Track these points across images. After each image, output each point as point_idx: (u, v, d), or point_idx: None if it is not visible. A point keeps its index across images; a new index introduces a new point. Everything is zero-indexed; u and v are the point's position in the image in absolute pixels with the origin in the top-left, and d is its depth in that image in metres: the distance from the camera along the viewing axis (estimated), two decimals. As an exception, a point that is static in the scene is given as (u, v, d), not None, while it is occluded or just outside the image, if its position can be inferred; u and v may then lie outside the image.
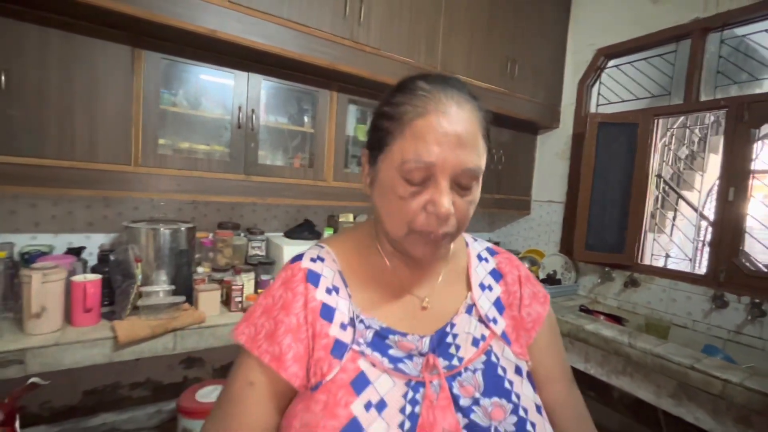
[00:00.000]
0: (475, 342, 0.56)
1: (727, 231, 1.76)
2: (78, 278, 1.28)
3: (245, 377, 0.51)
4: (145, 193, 1.43)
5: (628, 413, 1.91)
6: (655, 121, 2.04)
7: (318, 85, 1.76)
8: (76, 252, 1.52)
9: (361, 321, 0.54)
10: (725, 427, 1.33)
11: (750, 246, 1.82)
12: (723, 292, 1.74)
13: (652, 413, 1.70)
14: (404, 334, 0.54)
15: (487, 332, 0.57)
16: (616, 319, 1.98)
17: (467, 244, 0.68)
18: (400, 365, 0.51)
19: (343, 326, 0.52)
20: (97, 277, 1.33)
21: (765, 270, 1.68)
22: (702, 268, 2.88)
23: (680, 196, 2.96)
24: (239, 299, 1.54)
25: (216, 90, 1.61)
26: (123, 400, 1.77)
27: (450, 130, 0.48)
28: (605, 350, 1.63)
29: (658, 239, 2.48)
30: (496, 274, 0.64)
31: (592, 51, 2.29)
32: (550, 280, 2.25)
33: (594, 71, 2.30)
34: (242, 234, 1.84)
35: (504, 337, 0.58)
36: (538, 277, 2.32)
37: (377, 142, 0.54)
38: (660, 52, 2.08)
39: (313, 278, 0.55)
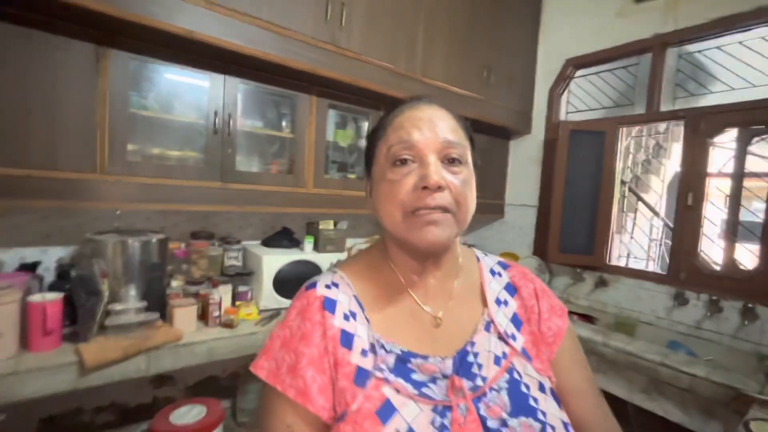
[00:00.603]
0: (497, 360, 0.55)
1: (687, 233, 1.89)
2: (35, 298, 1.17)
3: (282, 421, 0.50)
4: (112, 203, 1.33)
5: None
6: (621, 129, 2.16)
7: (297, 89, 1.70)
8: (30, 268, 1.38)
9: (382, 346, 0.53)
10: (692, 418, 1.42)
11: (708, 247, 1.97)
12: (684, 290, 1.87)
13: (622, 408, 1.79)
14: (425, 357, 0.53)
15: (507, 349, 0.57)
16: (588, 318, 2.07)
17: (478, 259, 0.67)
18: (425, 390, 0.50)
19: (364, 353, 0.51)
20: (58, 295, 1.21)
21: (720, 269, 1.82)
22: (655, 264, 3.09)
23: (641, 200, 3.15)
24: (217, 314, 1.46)
25: (190, 93, 1.52)
26: (86, 427, 1.63)
27: (424, 115, 0.55)
28: (581, 350, 1.70)
29: (621, 239, 2.63)
30: (511, 289, 0.64)
31: (561, 61, 2.39)
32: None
33: (563, 80, 2.40)
34: (217, 244, 1.75)
35: (524, 353, 0.57)
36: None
37: (369, 154, 0.60)
38: (624, 64, 2.21)
39: (329, 305, 0.54)
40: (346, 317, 0.53)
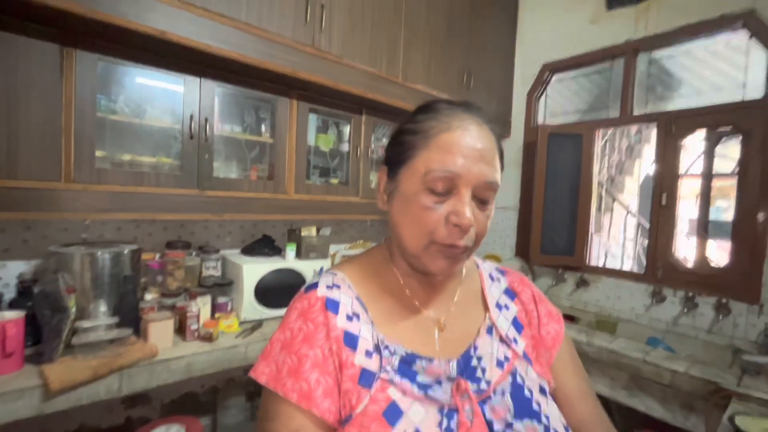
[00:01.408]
0: (500, 364, 0.55)
1: (662, 232, 1.95)
2: (-6, 317, 1.08)
3: (286, 427, 0.47)
4: (80, 213, 1.25)
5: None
6: (597, 132, 2.22)
7: (276, 92, 1.66)
8: (-12, 284, 1.28)
9: (387, 347, 0.52)
10: (673, 413, 1.45)
11: (682, 245, 2.03)
12: (661, 287, 1.92)
13: (605, 405, 1.81)
14: (430, 359, 0.52)
15: (509, 353, 0.57)
16: (570, 319, 2.10)
17: (477, 265, 0.67)
18: (430, 392, 0.50)
19: (368, 354, 0.51)
20: (19, 314, 1.12)
21: (694, 266, 1.89)
22: (632, 262, 3.19)
23: (615, 199, 3.24)
24: (195, 327, 1.40)
25: (163, 96, 1.45)
26: (52, 454, 1.51)
27: (473, 144, 0.50)
28: (566, 350, 1.72)
29: (599, 239, 2.70)
30: (510, 294, 0.64)
31: (538, 66, 2.44)
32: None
33: (540, 85, 2.45)
34: (194, 253, 1.68)
35: (525, 356, 0.58)
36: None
37: (398, 156, 0.55)
38: (598, 69, 2.27)
39: (332, 306, 0.53)
40: (349, 318, 0.52)
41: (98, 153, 1.30)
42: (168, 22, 1.21)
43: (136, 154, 1.43)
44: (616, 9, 2.09)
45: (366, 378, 0.49)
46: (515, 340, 0.58)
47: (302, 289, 0.57)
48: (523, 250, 2.47)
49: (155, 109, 1.45)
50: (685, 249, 2.31)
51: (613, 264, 2.88)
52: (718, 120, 1.79)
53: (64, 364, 1.11)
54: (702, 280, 1.81)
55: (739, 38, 1.79)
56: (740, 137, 1.73)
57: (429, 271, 0.54)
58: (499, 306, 0.61)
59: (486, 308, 0.61)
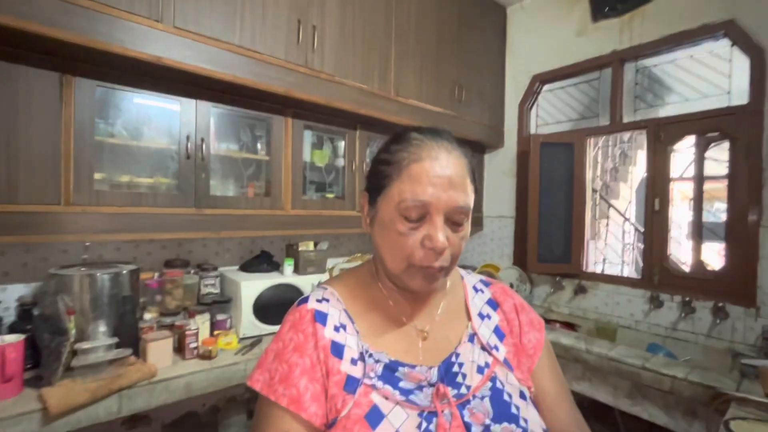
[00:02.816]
0: (480, 369, 0.58)
1: (657, 237, 1.96)
2: (-6, 341, 1.09)
3: (277, 428, 0.51)
4: (79, 235, 1.26)
5: (589, 416, 2.01)
6: (588, 140, 2.25)
7: (271, 111, 1.70)
8: (-13, 308, 1.29)
9: (371, 355, 0.56)
10: (676, 420, 1.44)
11: (677, 249, 2.05)
12: (658, 293, 1.93)
13: (610, 414, 1.80)
14: (413, 366, 0.56)
15: (490, 359, 0.60)
16: (570, 326, 2.10)
17: (462, 277, 0.70)
18: (411, 396, 0.53)
19: (353, 361, 0.54)
20: (19, 337, 1.13)
21: (690, 270, 1.90)
22: (630, 268, 3.19)
23: (611, 206, 3.26)
24: (194, 345, 1.40)
25: (160, 118, 1.48)
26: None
27: (441, 173, 0.54)
28: (565, 358, 1.72)
29: (596, 246, 2.71)
30: (493, 304, 0.68)
31: (528, 77, 2.49)
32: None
33: (531, 95, 2.50)
34: (193, 271, 1.69)
35: (506, 363, 0.60)
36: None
37: (376, 184, 0.59)
38: (586, 79, 2.32)
39: (320, 318, 0.57)
40: (336, 329, 0.56)
41: (97, 175, 1.32)
42: (164, 48, 1.25)
43: (134, 176, 1.46)
44: (600, 21, 2.14)
45: (351, 384, 0.52)
46: (496, 348, 0.61)
47: (295, 303, 0.61)
48: (520, 259, 2.48)
49: (152, 130, 1.48)
50: (682, 253, 2.32)
51: (612, 270, 2.89)
52: (705, 126, 1.83)
53: (63, 387, 1.11)
54: (698, 284, 1.82)
55: (721, 46, 1.84)
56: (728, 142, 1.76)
57: (409, 289, 0.58)
58: (481, 315, 0.65)
59: (469, 318, 0.64)
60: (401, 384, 0.54)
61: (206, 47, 1.35)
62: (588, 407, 1.97)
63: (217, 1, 1.37)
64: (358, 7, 1.79)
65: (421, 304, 0.63)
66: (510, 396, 0.56)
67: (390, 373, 0.55)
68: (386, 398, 0.52)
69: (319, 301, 0.59)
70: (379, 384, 0.53)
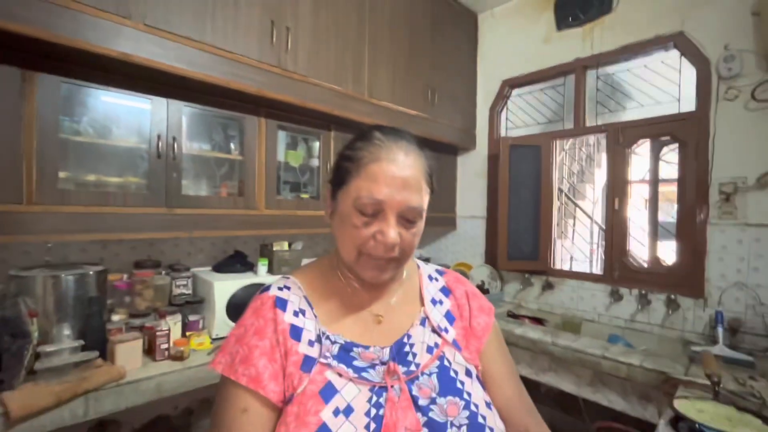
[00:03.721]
0: (430, 350, 0.63)
1: (617, 235, 2.08)
2: (-51, 346, 1.04)
3: (237, 406, 0.54)
4: (42, 235, 1.23)
5: (555, 406, 2.10)
6: (554, 142, 2.36)
7: (245, 111, 1.70)
8: (-59, 313, 1.23)
9: (327, 337, 0.60)
10: (632, 405, 1.54)
11: (636, 247, 2.17)
12: (618, 287, 2.04)
13: (575, 403, 1.90)
14: (366, 347, 0.61)
15: (439, 340, 0.65)
16: (538, 321, 2.19)
17: (418, 267, 0.76)
18: (364, 374, 0.58)
19: (310, 343, 0.58)
20: (-23, 341, 1.09)
21: (646, 266, 2.02)
22: (596, 265, 3.34)
23: (577, 206, 3.41)
24: (166, 346, 1.38)
25: (129, 117, 1.46)
26: (11, 489, 1.44)
27: (398, 174, 0.58)
28: (533, 351, 1.80)
29: (563, 245, 2.83)
30: (446, 291, 0.73)
31: (498, 82, 2.58)
32: (479, 290, 2.41)
33: (501, 99, 2.59)
34: (164, 272, 1.67)
35: (455, 344, 0.65)
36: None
37: (339, 179, 0.62)
38: (552, 85, 2.43)
39: (281, 304, 0.61)
40: (295, 314, 0.60)
41: (61, 174, 1.29)
42: (133, 45, 1.24)
43: (102, 175, 1.43)
44: (564, 30, 2.25)
45: (307, 363, 0.56)
46: (446, 330, 0.66)
47: (258, 291, 0.65)
48: (491, 257, 2.56)
49: (121, 129, 1.45)
50: (641, 250, 2.47)
51: (580, 268, 3.02)
52: (658, 131, 1.96)
53: (25, 390, 1.08)
54: (653, 278, 1.95)
55: (672, 57, 1.97)
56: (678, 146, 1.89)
57: (362, 278, 0.63)
58: (434, 301, 0.70)
59: (422, 304, 0.69)
60: (355, 363, 0.58)
61: (176, 45, 1.34)
62: (554, 398, 2.06)
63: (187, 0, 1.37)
64: (331, 9, 1.81)
65: (377, 292, 0.67)
66: (456, 373, 0.61)
67: (345, 353, 0.59)
68: (340, 375, 0.56)
69: (280, 288, 0.63)
70: (334, 363, 0.57)
